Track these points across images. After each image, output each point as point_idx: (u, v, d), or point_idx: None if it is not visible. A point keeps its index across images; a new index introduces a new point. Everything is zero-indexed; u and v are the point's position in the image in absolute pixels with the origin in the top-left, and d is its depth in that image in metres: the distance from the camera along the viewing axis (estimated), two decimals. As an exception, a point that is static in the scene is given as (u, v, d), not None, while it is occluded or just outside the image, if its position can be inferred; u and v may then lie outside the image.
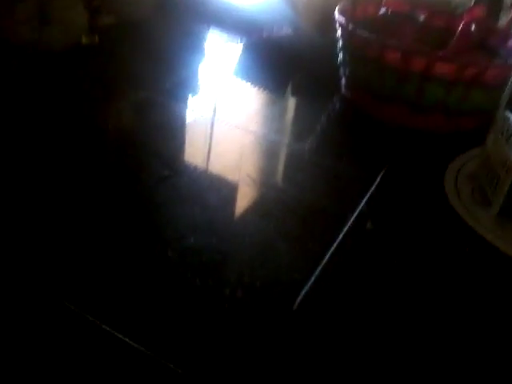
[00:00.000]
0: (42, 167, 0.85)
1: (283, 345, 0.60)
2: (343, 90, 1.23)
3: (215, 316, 0.62)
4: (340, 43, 1.18)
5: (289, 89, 1.32)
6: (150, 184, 0.84)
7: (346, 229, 0.79)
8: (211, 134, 1.04)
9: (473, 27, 1.19)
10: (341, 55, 1.19)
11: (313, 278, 0.69)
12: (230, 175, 0.90)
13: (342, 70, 1.22)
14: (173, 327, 0.60)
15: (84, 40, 1.25)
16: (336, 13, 1.14)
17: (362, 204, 0.85)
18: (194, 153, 0.96)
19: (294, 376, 0.57)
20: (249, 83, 1.29)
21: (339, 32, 1.17)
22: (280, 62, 1.41)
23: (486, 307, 0.70)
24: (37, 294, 0.61)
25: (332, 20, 1.18)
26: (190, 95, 1.18)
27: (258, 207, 0.83)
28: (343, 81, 1.22)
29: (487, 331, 0.66)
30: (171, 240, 0.72)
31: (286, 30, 1.55)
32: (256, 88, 1.27)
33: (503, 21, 1.35)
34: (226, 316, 0.62)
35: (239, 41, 1.50)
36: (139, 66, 1.24)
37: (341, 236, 0.77)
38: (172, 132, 1.02)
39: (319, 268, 0.71)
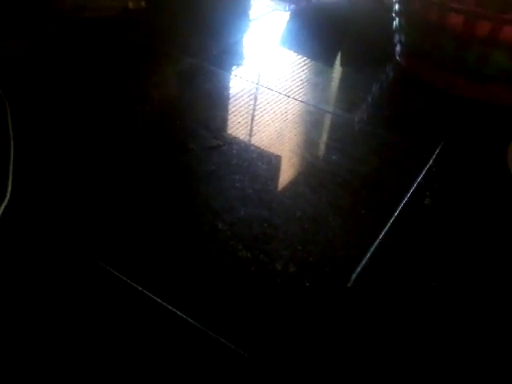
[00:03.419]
0: (89, 131, 0.84)
1: (337, 323, 0.57)
2: (398, 57, 1.17)
3: (267, 291, 0.60)
4: (396, 7, 1.12)
5: (339, 57, 1.27)
6: (198, 153, 0.82)
7: (402, 203, 0.75)
8: (259, 102, 1.00)
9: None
10: (396, 20, 1.13)
11: (368, 255, 0.66)
12: (279, 145, 0.87)
13: (396, 37, 1.15)
14: (222, 300, 0.58)
15: (130, 5, 1.23)
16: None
17: (420, 178, 0.81)
18: (242, 122, 0.93)
19: (348, 354, 0.54)
20: (297, 51, 1.24)
21: (395, -5, 1.10)
22: (329, 29, 1.35)
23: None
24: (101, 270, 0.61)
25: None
26: (236, 63, 1.14)
27: (309, 179, 0.80)
28: (398, 48, 1.16)
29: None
30: (221, 211, 0.70)
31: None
32: (304, 56, 1.22)
33: None
34: (278, 291, 0.60)
35: (287, 7, 1.45)
36: (185, 32, 1.21)
37: (397, 211, 0.73)
38: (220, 100, 0.99)
39: (375, 244, 0.67)
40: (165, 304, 0.57)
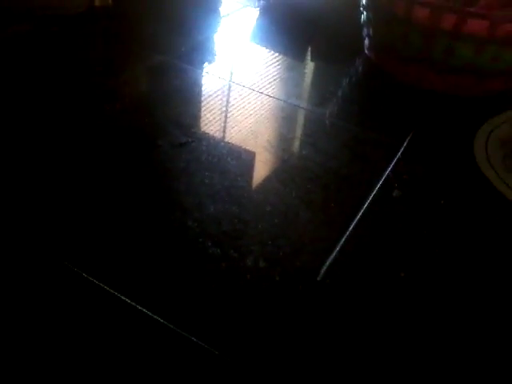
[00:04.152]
0: (53, 131, 0.82)
1: (307, 316, 0.58)
2: (366, 51, 1.18)
3: (238, 287, 0.60)
4: (363, 1, 1.12)
5: (308, 52, 1.27)
6: (168, 150, 0.81)
7: (371, 196, 0.76)
8: (229, 99, 1.00)
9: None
10: (364, 14, 1.13)
11: (337, 248, 0.66)
12: (250, 141, 0.87)
13: (364, 31, 1.16)
14: (191, 298, 0.58)
15: (97, 2, 1.21)
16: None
17: (388, 171, 0.82)
18: (212, 118, 0.93)
19: (317, 348, 0.55)
20: (266, 47, 1.24)
21: (363, -11, 1.11)
22: (299, 24, 1.35)
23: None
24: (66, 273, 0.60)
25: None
26: (206, 59, 1.14)
27: (279, 174, 0.80)
28: (366, 42, 1.17)
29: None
30: (191, 208, 0.70)
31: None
32: (274, 52, 1.22)
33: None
34: (248, 287, 0.60)
35: (256, 3, 1.45)
36: (154, 29, 1.20)
37: (366, 204, 0.74)
38: (189, 97, 0.98)
39: (344, 237, 0.68)
40: (133, 304, 0.56)
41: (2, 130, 0.81)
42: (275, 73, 1.14)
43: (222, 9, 1.42)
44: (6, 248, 0.62)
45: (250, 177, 0.79)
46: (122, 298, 0.57)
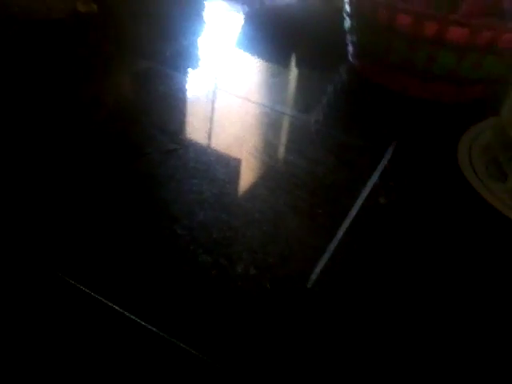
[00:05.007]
0: (40, 138, 0.81)
1: (298, 323, 0.58)
2: (350, 58, 1.19)
3: (228, 295, 0.60)
4: (347, 9, 1.14)
5: (293, 59, 1.28)
6: (155, 158, 0.81)
7: (359, 203, 0.76)
8: (215, 105, 1.00)
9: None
10: (348, 22, 1.15)
11: (327, 255, 0.67)
12: (237, 148, 0.87)
13: (348, 38, 1.17)
14: (182, 306, 0.58)
15: (80, 7, 1.20)
16: (343, -23, 1.10)
17: (375, 177, 0.82)
18: (198, 125, 0.93)
19: (308, 355, 0.55)
20: (251, 53, 1.24)
21: (346, -3, 1.12)
22: (283, 31, 1.36)
23: (502, 282, 0.68)
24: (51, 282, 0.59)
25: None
26: (191, 65, 1.14)
27: (267, 181, 0.80)
28: (350, 49, 1.18)
29: (502, 306, 0.64)
30: (180, 216, 0.70)
31: (289, -3, 1.50)
32: (259, 58, 1.23)
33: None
34: (239, 295, 0.60)
35: (241, 9, 1.45)
36: (138, 35, 1.20)
37: (354, 210, 0.75)
38: (175, 103, 0.98)
39: (333, 244, 0.69)
40: (125, 312, 0.56)
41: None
42: (260, 79, 1.14)
43: (207, 14, 1.43)
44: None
45: (238, 184, 0.79)
46: (114, 306, 0.56)
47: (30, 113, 0.87)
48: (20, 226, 0.65)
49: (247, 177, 0.82)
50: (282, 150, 0.91)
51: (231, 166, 0.82)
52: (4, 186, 0.71)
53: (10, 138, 0.81)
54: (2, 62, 1.00)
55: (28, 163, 0.76)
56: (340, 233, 0.70)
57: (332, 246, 0.68)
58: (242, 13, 1.44)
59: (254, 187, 0.79)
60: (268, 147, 0.90)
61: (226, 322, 0.57)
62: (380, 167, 0.85)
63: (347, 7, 1.13)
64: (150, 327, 0.55)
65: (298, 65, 1.26)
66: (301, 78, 1.20)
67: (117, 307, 0.56)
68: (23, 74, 0.98)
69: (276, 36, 1.33)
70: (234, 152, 0.86)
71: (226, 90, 1.04)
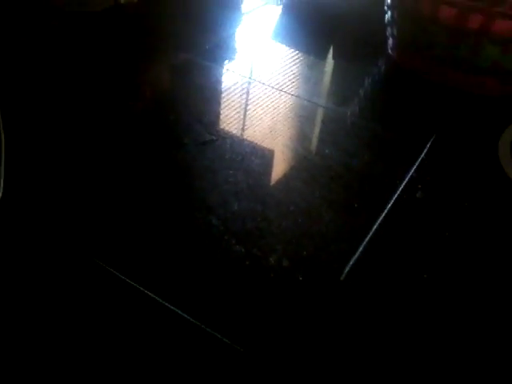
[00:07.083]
0: (82, 127, 0.83)
1: (330, 317, 0.58)
2: (389, 51, 1.17)
3: (261, 286, 0.60)
4: (388, 0, 1.11)
5: (330, 50, 1.26)
6: (192, 148, 0.81)
7: (395, 197, 0.75)
8: (252, 97, 1.00)
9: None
10: (388, 14, 1.13)
11: (361, 248, 0.66)
12: (272, 140, 0.87)
13: (388, 30, 1.15)
14: (217, 296, 0.59)
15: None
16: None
17: (412, 171, 0.81)
18: (235, 116, 0.93)
19: (342, 347, 0.55)
20: (288, 45, 1.24)
21: (387, -12, 1.10)
22: (321, 23, 1.35)
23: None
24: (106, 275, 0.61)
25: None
26: (228, 57, 1.14)
27: (302, 173, 0.80)
28: (390, 41, 1.16)
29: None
30: (215, 206, 0.70)
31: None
32: (296, 50, 1.22)
33: None
34: (271, 286, 0.60)
35: (279, 1, 1.44)
36: (178, 26, 1.21)
37: (390, 205, 0.74)
38: (213, 95, 0.98)
39: (367, 237, 0.68)
40: (161, 300, 0.57)
41: (27, 127, 0.82)
42: (296, 71, 1.13)
43: (244, 6, 1.42)
44: (36, 247, 0.63)
45: (273, 175, 0.79)
46: (151, 294, 0.57)
47: (72, 101, 0.90)
48: (62, 215, 0.67)
49: (282, 168, 0.82)
50: (317, 142, 0.91)
51: (266, 158, 0.82)
52: (44, 174, 0.74)
53: (51, 128, 0.83)
54: (44, 53, 1.03)
55: (69, 153, 0.78)
56: (375, 227, 0.70)
57: (366, 240, 0.67)
58: (279, 4, 1.43)
59: (288, 179, 0.79)
60: (303, 139, 0.90)
61: (258, 313, 0.57)
62: (417, 161, 0.83)
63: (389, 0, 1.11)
64: (184, 315, 0.56)
65: (335, 57, 1.24)
66: (338, 69, 1.18)
67: (152, 294, 0.57)
68: (66, 65, 1.01)
69: (313, 28, 1.32)
70: (269, 143, 0.86)
71: (263, 81, 1.04)
